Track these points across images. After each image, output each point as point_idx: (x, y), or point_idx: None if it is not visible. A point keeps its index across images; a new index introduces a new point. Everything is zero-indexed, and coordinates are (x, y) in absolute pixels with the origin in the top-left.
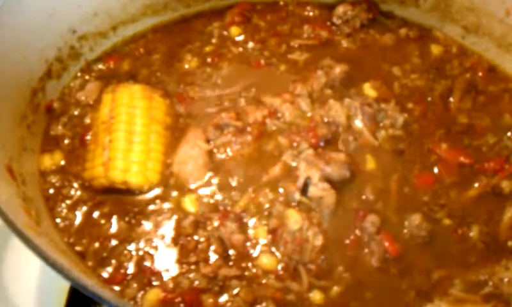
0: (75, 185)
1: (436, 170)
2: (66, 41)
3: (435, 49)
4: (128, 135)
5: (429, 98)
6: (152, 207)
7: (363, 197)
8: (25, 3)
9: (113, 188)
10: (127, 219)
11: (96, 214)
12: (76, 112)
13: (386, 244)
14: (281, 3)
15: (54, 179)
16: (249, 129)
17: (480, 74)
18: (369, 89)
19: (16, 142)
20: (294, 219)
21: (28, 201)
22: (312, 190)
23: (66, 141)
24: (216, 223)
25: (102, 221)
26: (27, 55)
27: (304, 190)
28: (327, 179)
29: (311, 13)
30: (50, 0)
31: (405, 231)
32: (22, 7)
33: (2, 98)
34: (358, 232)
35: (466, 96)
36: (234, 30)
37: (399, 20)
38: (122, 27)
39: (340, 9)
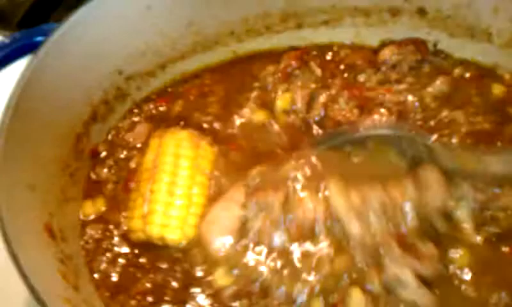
0: (116, 236)
1: None
2: (112, 83)
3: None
4: (171, 186)
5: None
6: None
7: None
8: (69, 48)
9: (150, 242)
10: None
11: (133, 268)
12: (123, 155)
13: None
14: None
15: (93, 230)
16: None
17: None
18: None
19: (57, 193)
20: (357, 299)
21: (67, 260)
22: (404, 294)
23: (109, 186)
24: None
25: (139, 275)
26: (71, 100)
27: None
28: (419, 277)
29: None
30: (96, 44)
31: None
32: (66, 52)
33: (42, 148)
34: None
35: None
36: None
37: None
38: (171, 65)
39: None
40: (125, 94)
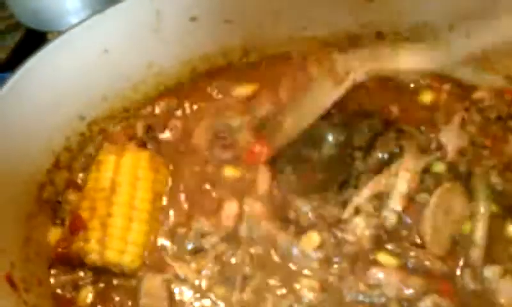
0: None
1: None
2: (74, 129)
3: None
4: (129, 210)
5: None
6: None
7: None
8: (28, 93)
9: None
10: None
11: None
12: None
13: None
14: None
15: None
16: None
17: None
18: None
19: (21, 244)
20: None
21: None
22: None
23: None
24: None
25: None
26: (32, 147)
27: None
28: None
29: None
30: (54, 90)
31: None
32: (25, 98)
33: (3, 196)
34: None
35: None
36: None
37: None
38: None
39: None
40: (88, 140)
